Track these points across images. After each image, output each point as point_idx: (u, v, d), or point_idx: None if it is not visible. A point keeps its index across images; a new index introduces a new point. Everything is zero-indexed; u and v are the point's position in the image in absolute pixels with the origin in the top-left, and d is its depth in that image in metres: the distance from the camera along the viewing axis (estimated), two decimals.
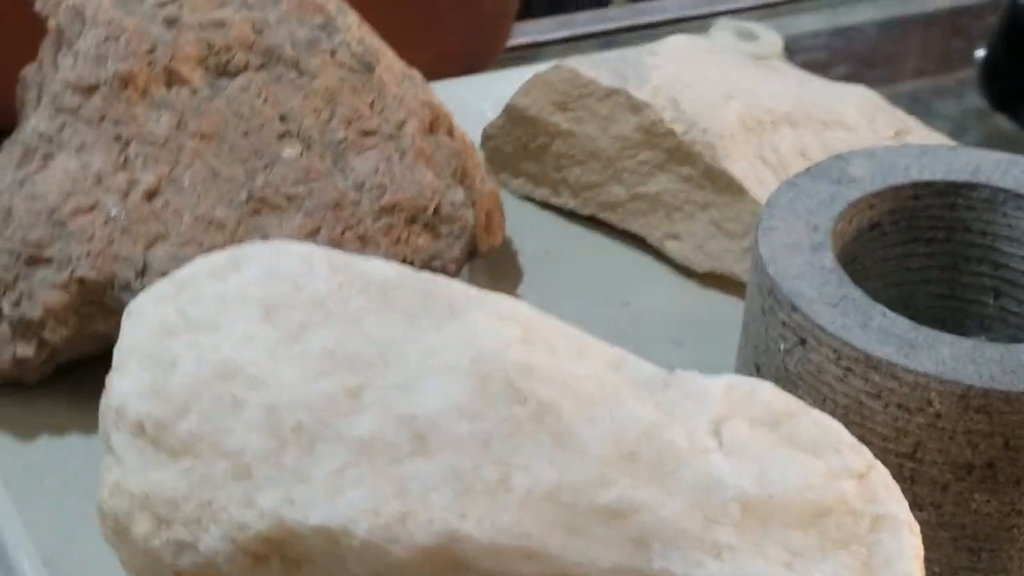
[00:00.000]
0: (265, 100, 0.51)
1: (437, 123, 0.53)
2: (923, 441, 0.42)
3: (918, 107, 0.63)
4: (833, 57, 0.93)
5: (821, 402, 0.43)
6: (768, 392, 0.39)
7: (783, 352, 0.45)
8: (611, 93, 0.59)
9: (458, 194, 0.51)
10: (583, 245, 0.60)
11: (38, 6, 0.53)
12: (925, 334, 0.43)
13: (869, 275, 0.50)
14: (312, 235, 0.49)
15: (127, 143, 0.49)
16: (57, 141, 0.49)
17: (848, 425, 0.40)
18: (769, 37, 0.74)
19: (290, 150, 0.50)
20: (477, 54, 0.81)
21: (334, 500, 0.36)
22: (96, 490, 0.40)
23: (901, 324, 0.43)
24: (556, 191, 0.62)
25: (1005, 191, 0.50)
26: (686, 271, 0.59)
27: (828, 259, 0.46)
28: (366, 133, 0.51)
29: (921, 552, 0.36)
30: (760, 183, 0.57)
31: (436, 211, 0.50)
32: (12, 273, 0.47)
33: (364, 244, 0.49)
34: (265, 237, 0.48)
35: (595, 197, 0.61)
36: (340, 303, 0.40)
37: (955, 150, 0.52)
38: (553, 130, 0.60)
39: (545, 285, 0.57)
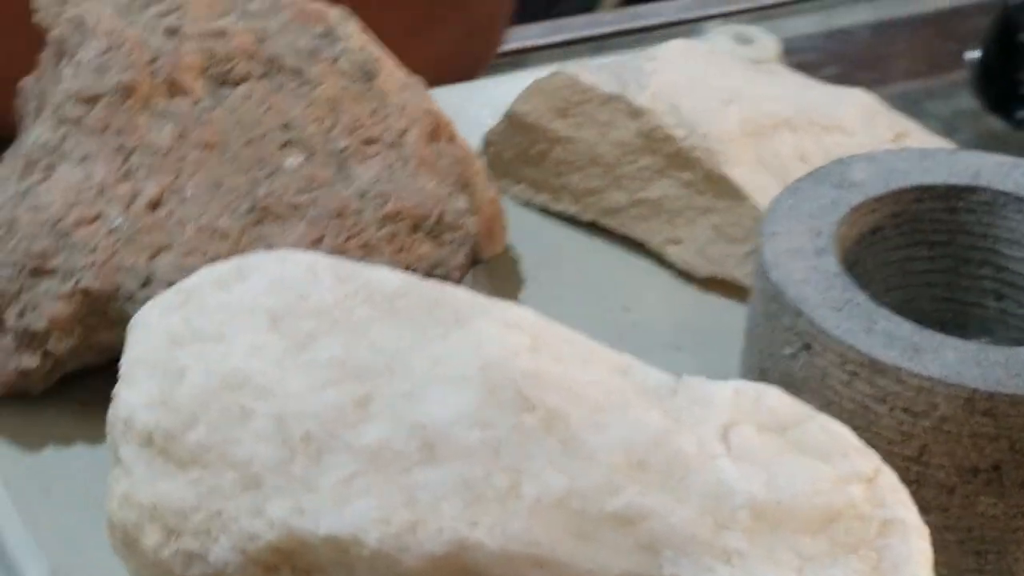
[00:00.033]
0: (267, 109, 0.51)
1: (439, 131, 0.53)
2: (929, 444, 0.42)
3: (908, 108, 0.63)
4: (824, 59, 0.94)
5: (827, 406, 0.43)
6: (775, 397, 0.39)
7: (788, 357, 0.45)
8: (610, 99, 0.59)
9: (460, 202, 0.51)
10: (584, 251, 0.60)
11: (38, 17, 0.53)
12: (929, 338, 0.43)
13: (871, 279, 0.50)
14: (315, 244, 0.49)
15: (130, 153, 0.49)
16: (60, 152, 0.49)
17: (854, 429, 0.40)
18: (766, 41, 0.74)
19: (292, 159, 0.50)
20: (472, 55, 0.81)
21: (343, 509, 0.36)
22: (103, 500, 0.40)
23: (906, 328, 0.43)
24: (557, 197, 0.62)
25: (1006, 194, 0.50)
26: (687, 276, 0.59)
27: (832, 263, 0.46)
28: (368, 141, 0.51)
29: (930, 556, 0.36)
30: (760, 188, 0.57)
31: (439, 219, 0.50)
32: (16, 284, 0.47)
33: (367, 252, 0.49)
34: (269, 246, 0.48)
35: (595, 203, 0.61)
36: (346, 312, 0.40)
37: (956, 153, 0.52)
38: (553, 136, 0.60)
39: (546, 291, 0.57)
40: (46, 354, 0.48)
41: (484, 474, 0.36)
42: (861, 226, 0.49)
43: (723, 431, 0.38)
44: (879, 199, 0.49)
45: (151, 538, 0.38)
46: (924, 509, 0.42)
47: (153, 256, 0.48)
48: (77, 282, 0.47)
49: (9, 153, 0.54)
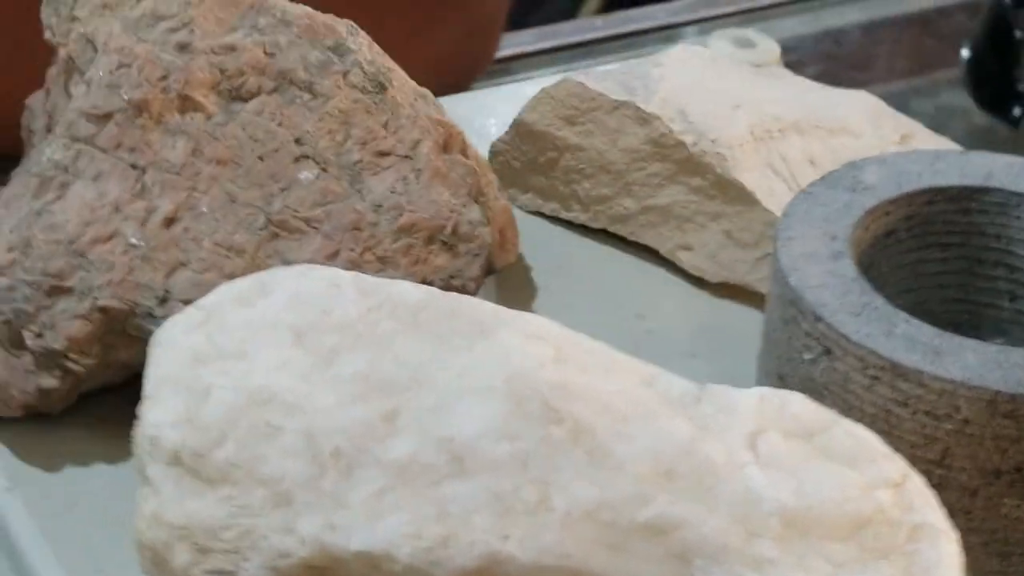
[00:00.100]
0: (279, 123, 0.51)
1: (451, 142, 0.53)
2: (951, 447, 0.42)
3: (895, 107, 0.64)
4: (813, 59, 0.94)
5: (848, 411, 0.43)
6: (799, 403, 0.39)
7: (808, 362, 0.45)
8: (619, 106, 0.59)
9: (474, 212, 0.51)
10: (595, 259, 0.60)
11: (48, 35, 0.53)
12: (950, 340, 0.43)
13: (885, 281, 0.50)
14: (331, 258, 0.49)
15: (143, 170, 0.49)
16: (73, 170, 0.49)
17: (875, 433, 0.40)
18: (766, 44, 0.74)
19: (306, 173, 0.50)
20: (471, 56, 0.81)
21: (375, 524, 0.36)
22: (125, 518, 0.40)
23: (926, 331, 0.43)
24: (566, 205, 0.62)
25: (1018, 195, 0.50)
26: (699, 282, 0.59)
27: (849, 267, 0.46)
28: (381, 154, 0.51)
29: (959, 560, 0.36)
30: (770, 192, 0.57)
31: (454, 230, 0.50)
32: (34, 304, 0.47)
33: (384, 265, 0.49)
34: (285, 261, 0.48)
35: (606, 210, 0.61)
36: (370, 326, 0.40)
37: (967, 154, 0.52)
38: (562, 144, 0.61)
39: (558, 300, 0.57)
40: (65, 373, 0.48)
41: (513, 487, 0.36)
42: (875, 229, 0.49)
43: (750, 439, 0.38)
44: (892, 202, 0.50)
45: (181, 557, 0.38)
46: (947, 512, 0.42)
47: (170, 273, 0.48)
48: (94, 301, 0.47)
49: (19, 171, 0.54)
